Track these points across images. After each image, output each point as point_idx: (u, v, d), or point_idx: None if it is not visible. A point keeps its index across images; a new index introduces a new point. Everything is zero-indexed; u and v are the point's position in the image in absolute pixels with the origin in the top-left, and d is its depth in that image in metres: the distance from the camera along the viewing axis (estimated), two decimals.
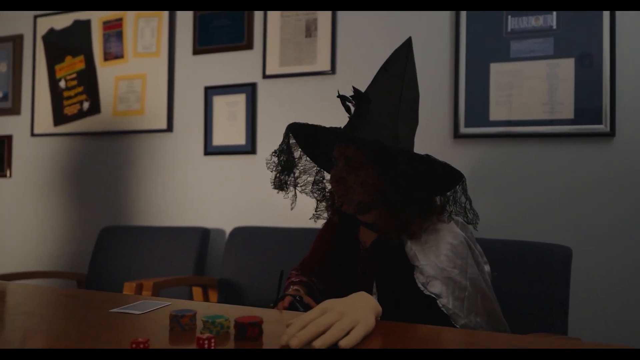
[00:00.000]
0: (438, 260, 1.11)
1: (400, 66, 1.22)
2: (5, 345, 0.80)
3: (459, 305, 1.09)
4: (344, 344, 0.76)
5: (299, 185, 1.30)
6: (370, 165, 1.16)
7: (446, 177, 1.11)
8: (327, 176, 1.32)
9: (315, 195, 1.33)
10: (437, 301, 1.08)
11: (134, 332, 0.85)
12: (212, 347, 0.74)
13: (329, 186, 1.32)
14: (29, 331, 0.88)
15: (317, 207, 1.35)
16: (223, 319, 0.84)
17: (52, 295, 1.22)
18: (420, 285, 1.09)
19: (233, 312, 0.95)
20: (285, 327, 0.82)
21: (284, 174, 1.30)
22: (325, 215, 1.34)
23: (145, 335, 0.82)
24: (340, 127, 1.22)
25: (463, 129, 2.10)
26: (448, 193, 1.13)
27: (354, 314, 0.81)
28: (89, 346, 0.78)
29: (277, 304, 1.17)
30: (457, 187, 1.10)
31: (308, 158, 1.32)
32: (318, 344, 0.75)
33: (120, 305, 1.04)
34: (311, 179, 1.33)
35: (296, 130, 1.26)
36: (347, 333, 0.78)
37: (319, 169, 1.34)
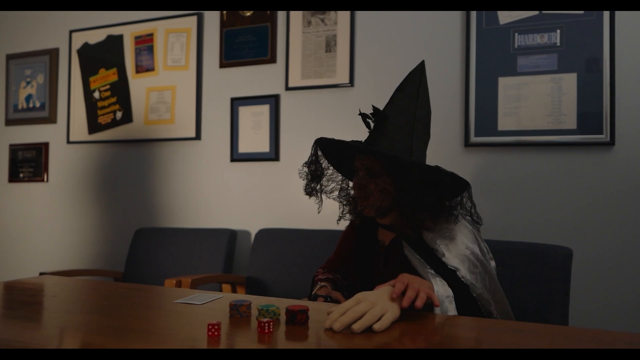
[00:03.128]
0: (452, 244, 1.28)
1: (414, 87, 1.38)
2: (104, 332, 0.98)
3: (474, 278, 1.25)
4: (377, 327, 0.94)
5: (326, 192, 1.48)
6: (388, 175, 1.33)
7: (454, 185, 1.27)
8: (351, 183, 1.49)
9: (342, 199, 1.51)
10: (457, 273, 1.24)
11: (203, 318, 1.04)
12: (271, 330, 0.92)
13: (352, 192, 1.50)
14: (122, 318, 1.07)
15: (342, 210, 1.51)
16: (275, 308, 1.02)
17: (116, 289, 1.41)
18: (442, 259, 1.25)
19: (278, 302, 1.13)
20: (327, 315, 0.99)
21: (314, 182, 1.47)
22: (349, 216, 1.51)
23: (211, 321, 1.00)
24: (360, 141, 1.39)
25: (473, 138, 2.26)
26: (455, 199, 1.29)
27: (383, 304, 0.99)
28: (173, 329, 0.96)
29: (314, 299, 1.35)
30: (464, 193, 1.27)
31: (327, 172, 1.49)
32: (356, 327, 0.93)
33: (172, 297, 1.23)
34: (338, 186, 1.50)
35: (323, 144, 1.43)
36: (379, 319, 0.96)
37: (343, 177, 1.51)
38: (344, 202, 1.51)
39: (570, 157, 2.13)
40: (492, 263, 1.39)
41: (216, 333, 0.89)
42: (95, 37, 3.12)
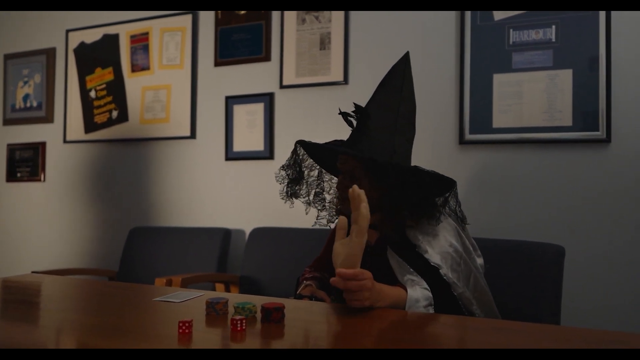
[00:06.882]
0: (435, 240, 1.26)
1: (398, 81, 1.35)
2: (76, 330, 0.97)
3: (456, 277, 1.23)
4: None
5: (301, 196, 1.46)
6: (368, 176, 1.31)
7: (436, 185, 1.25)
8: (327, 187, 1.48)
9: (317, 205, 1.49)
10: (440, 271, 1.22)
11: (178, 316, 1.02)
12: (244, 327, 0.90)
13: (328, 197, 1.48)
14: (96, 316, 1.05)
15: (318, 216, 1.50)
16: (251, 305, 1.00)
17: (102, 288, 1.40)
18: (424, 255, 1.23)
19: (258, 301, 1.11)
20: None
21: (290, 186, 1.46)
22: (324, 222, 1.49)
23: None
24: (343, 140, 1.37)
25: (468, 136, 2.24)
26: (438, 199, 1.27)
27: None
28: (145, 327, 0.95)
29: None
30: (449, 192, 1.25)
31: (311, 173, 1.47)
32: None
33: (159, 296, 1.21)
34: (313, 191, 1.49)
35: (304, 146, 1.42)
36: None
37: (319, 182, 1.49)
38: (320, 208, 1.50)
39: (565, 155, 2.10)
40: (480, 260, 1.37)
41: (187, 330, 0.88)
42: (92, 37, 3.12)
